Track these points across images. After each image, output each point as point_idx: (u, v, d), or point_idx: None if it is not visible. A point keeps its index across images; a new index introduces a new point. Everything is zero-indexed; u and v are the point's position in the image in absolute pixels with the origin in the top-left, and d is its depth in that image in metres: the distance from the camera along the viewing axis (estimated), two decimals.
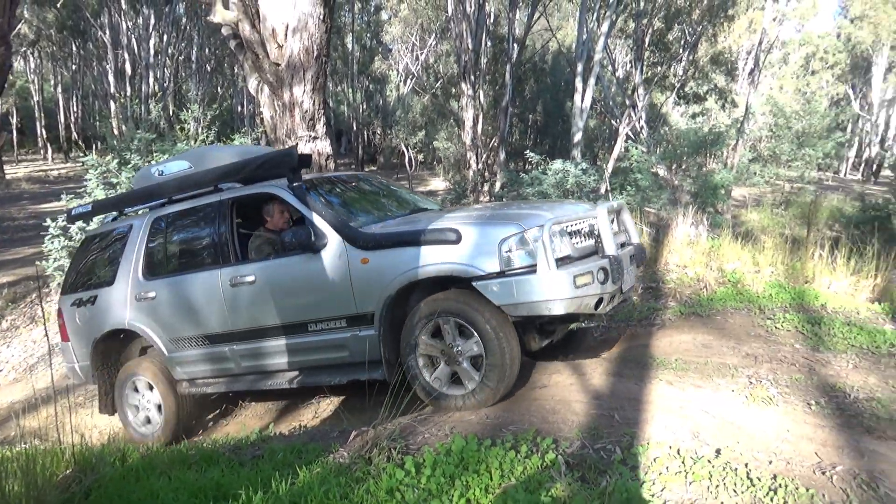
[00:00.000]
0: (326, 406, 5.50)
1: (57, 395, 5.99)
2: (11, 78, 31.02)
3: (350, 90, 33.28)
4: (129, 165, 10.27)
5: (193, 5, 25.75)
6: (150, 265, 5.29)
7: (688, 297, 6.22)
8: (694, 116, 21.75)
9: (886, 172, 30.13)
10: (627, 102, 20.63)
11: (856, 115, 38.95)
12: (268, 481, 3.13)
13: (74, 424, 3.83)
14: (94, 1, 28.26)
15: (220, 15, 7.23)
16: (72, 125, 38.07)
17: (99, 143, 28.13)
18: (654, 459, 3.01)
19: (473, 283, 3.78)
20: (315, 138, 7.19)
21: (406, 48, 29.69)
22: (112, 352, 5.74)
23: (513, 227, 3.78)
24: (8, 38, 3.42)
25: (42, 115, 37.19)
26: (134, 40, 28.38)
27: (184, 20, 29.54)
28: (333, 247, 4.24)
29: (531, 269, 3.67)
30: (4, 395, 7.99)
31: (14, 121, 37.40)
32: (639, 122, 20.07)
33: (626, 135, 19.74)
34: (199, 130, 13.69)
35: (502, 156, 20.47)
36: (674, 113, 23.35)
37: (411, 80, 30.86)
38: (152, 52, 28.37)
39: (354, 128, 33.95)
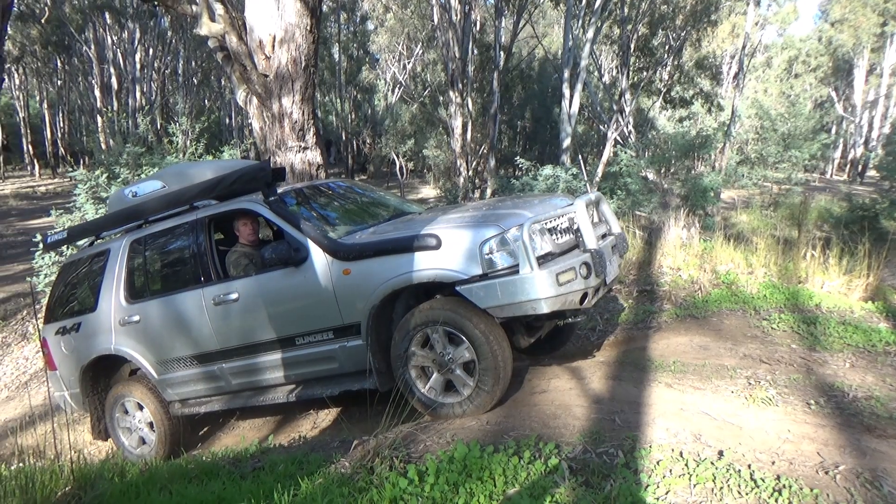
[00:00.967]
0: (325, 416, 5.47)
1: (53, 412, 5.93)
2: None
3: (338, 100, 33.34)
4: (119, 179, 10.21)
5: (179, 19, 25.69)
6: (132, 288, 5.20)
7: (683, 299, 6.24)
8: (681, 120, 21.97)
9: (872, 173, 30.42)
10: (615, 108, 20.74)
11: (840, 116, 39.40)
12: (270, 493, 3.11)
13: (72, 441, 3.79)
14: (79, 16, 28.11)
15: (206, 27, 7.21)
16: (59, 141, 37.78)
17: (87, 158, 27.93)
18: (657, 462, 3.01)
19: (457, 288, 3.76)
20: (305, 148, 7.18)
21: (393, 57, 29.74)
22: (101, 377, 5.65)
23: (493, 229, 3.75)
24: (2, 52, 3.41)
25: (28, 131, 36.84)
26: (120, 55, 28.25)
27: (169, 34, 29.43)
28: (314, 259, 4.21)
29: (514, 269, 3.65)
30: None
31: None
32: (627, 127, 20.19)
33: (615, 140, 19.84)
34: (188, 143, 13.61)
35: (492, 162, 20.51)
36: (661, 117, 23.48)
37: (399, 89, 30.90)
38: (138, 66, 28.28)
39: (343, 137, 34.03)
